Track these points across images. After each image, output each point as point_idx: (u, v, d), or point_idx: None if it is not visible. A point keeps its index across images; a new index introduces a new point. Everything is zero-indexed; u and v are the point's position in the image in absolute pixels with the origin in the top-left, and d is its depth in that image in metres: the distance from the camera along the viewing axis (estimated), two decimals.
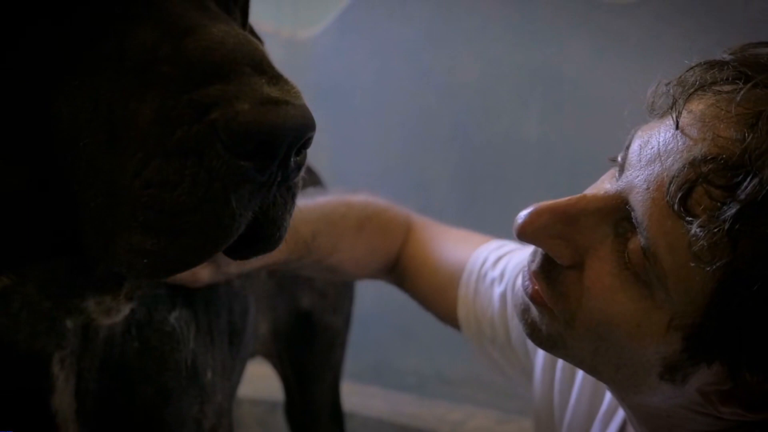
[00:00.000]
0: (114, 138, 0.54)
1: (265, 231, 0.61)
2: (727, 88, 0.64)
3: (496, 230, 1.10)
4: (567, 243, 0.69)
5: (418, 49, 2.16)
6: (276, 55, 0.61)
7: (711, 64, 0.67)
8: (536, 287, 0.72)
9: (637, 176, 0.66)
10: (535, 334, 0.74)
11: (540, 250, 0.72)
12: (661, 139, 0.65)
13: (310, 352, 1.43)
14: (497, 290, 0.99)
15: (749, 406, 0.65)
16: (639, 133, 0.69)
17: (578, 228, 0.68)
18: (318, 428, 1.50)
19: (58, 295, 0.67)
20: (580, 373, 0.90)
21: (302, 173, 0.61)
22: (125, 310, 0.72)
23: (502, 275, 0.99)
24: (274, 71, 0.56)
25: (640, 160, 0.66)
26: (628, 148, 0.69)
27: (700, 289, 0.61)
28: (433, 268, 1.08)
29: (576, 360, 0.74)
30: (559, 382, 0.93)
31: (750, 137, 0.60)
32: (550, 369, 0.95)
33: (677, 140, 0.64)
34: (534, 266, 0.72)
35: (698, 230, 0.59)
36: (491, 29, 2.06)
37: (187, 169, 0.53)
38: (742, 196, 0.58)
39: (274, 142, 0.54)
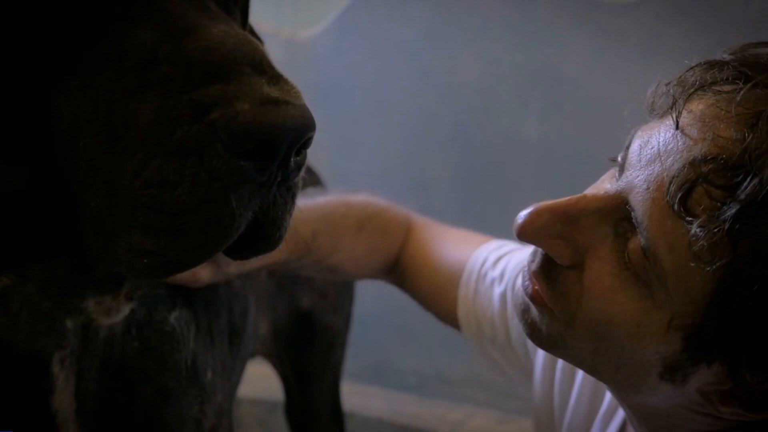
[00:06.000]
0: (114, 138, 0.54)
1: (265, 231, 0.61)
2: (727, 88, 0.64)
3: (496, 230, 1.10)
4: (567, 243, 0.69)
5: (418, 49, 2.16)
6: (276, 55, 0.61)
7: (711, 64, 0.67)
8: (536, 287, 0.72)
9: (637, 176, 0.65)
10: (535, 334, 0.74)
11: (540, 250, 0.72)
12: (661, 139, 0.65)
13: (310, 352, 1.43)
14: (497, 290, 0.99)
15: (749, 406, 0.65)
16: (639, 133, 0.69)
17: (578, 228, 0.68)
18: (318, 428, 1.50)
19: (58, 295, 0.67)
20: (580, 373, 0.90)
21: (302, 173, 0.61)
22: (125, 310, 0.72)
23: (502, 275, 0.99)
24: (274, 71, 0.56)
25: (640, 160, 0.66)
26: (628, 148, 0.69)
27: (700, 289, 0.61)
28: (433, 268, 1.07)
29: (576, 360, 0.74)
30: (559, 382, 0.93)
31: (750, 137, 0.60)
32: (550, 369, 0.95)
33: (677, 140, 0.64)
34: (534, 266, 0.72)
35: (698, 230, 0.59)
36: (491, 29, 2.06)
37: (187, 169, 0.53)
38: (742, 196, 0.58)
39: (274, 142, 0.54)
